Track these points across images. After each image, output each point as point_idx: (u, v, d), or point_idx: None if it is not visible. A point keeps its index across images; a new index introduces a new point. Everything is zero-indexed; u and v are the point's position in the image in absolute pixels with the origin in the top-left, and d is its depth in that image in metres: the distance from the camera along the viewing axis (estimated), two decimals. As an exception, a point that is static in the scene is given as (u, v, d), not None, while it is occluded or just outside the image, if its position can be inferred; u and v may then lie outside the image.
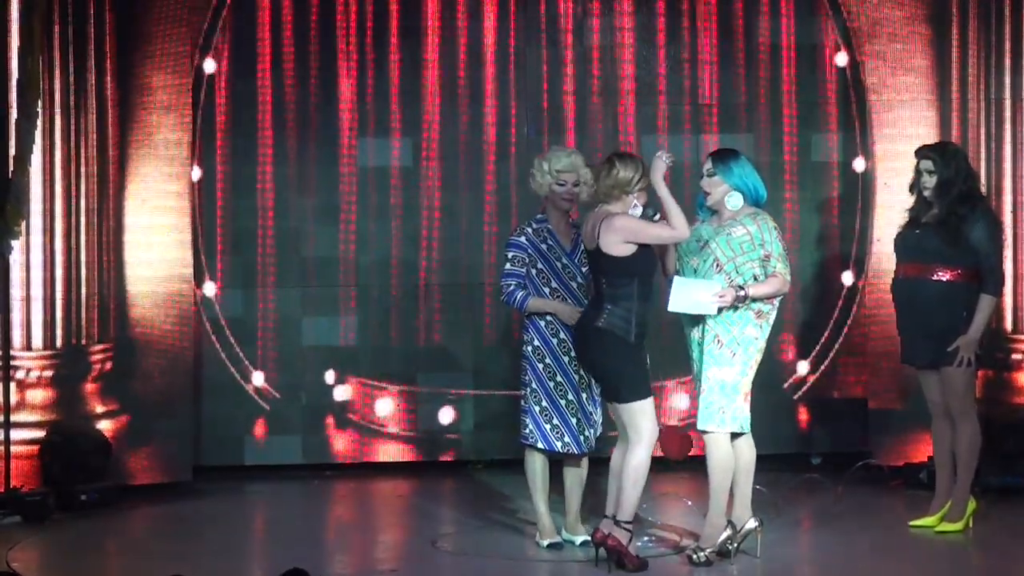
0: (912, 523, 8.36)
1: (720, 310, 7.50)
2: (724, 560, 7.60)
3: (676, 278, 7.58)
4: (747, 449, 7.69)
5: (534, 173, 7.99)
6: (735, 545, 7.64)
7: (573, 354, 7.87)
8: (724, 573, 7.52)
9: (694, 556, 7.58)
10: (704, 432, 7.61)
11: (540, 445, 7.94)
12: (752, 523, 7.69)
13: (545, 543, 8.04)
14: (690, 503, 8.56)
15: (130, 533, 8.81)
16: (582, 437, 7.93)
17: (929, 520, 8.33)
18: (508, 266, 7.98)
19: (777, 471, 9.28)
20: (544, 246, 7.96)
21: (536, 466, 8.00)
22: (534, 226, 8.00)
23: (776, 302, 7.66)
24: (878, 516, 8.75)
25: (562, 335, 7.92)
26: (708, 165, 7.72)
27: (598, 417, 8.03)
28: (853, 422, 10.13)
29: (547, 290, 7.95)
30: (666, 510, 8.73)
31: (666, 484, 9.39)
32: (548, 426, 7.91)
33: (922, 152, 8.33)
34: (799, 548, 8.26)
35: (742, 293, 7.48)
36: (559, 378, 7.90)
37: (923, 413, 8.50)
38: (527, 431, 7.96)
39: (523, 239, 7.97)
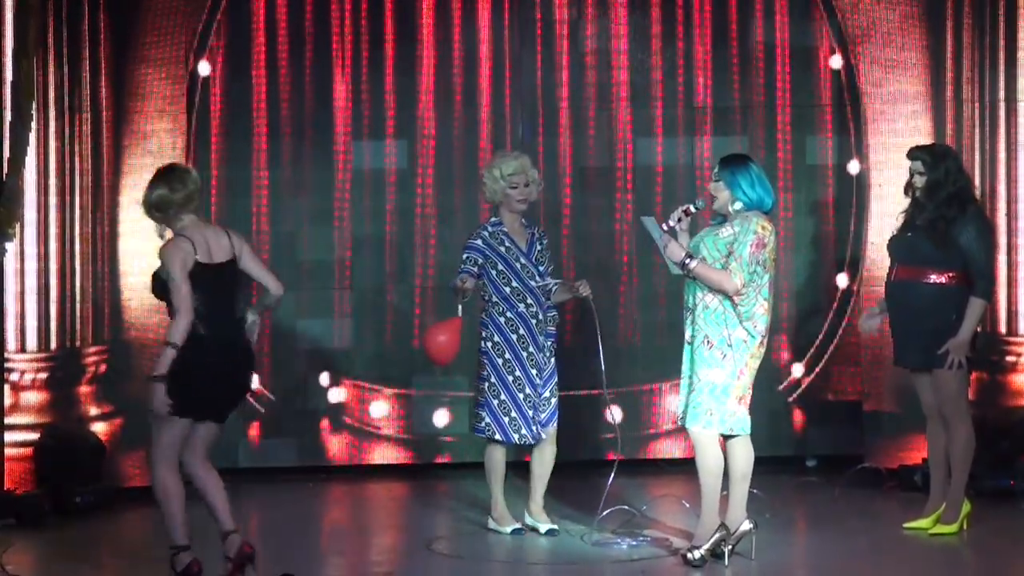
0: (906, 525, 8.36)
1: (670, 251, 7.59)
2: (718, 562, 7.60)
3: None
4: (743, 452, 7.69)
5: (485, 183, 8.29)
6: (729, 547, 7.64)
7: (532, 349, 8.19)
8: (719, 574, 7.52)
9: (688, 556, 7.59)
10: (690, 431, 7.66)
11: (498, 437, 8.21)
12: (746, 525, 7.70)
13: (508, 530, 8.32)
14: (687, 504, 8.56)
15: (124, 536, 8.79)
16: (536, 427, 8.18)
17: (923, 522, 8.33)
18: (462, 265, 8.21)
19: (773, 473, 9.27)
20: (502, 248, 8.21)
21: (497, 456, 8.30)
22: (490, 229, 8.27)
23: (759, 310, 7.61)
24: (873, 518, 8.75)
25: (521, 331, 8.22)
26: (716, 170, 7.78)
27: (551, 408, 8.25)
28: (848, 424, 10.12)
29: (508, 290, 8.22)
30: (662, 511, 8.73)
31: (662, 486, 9.39)
32: (507, 419, 8.20)
33: (913, 152, 8.35)
34: (793, 550, 8.27)
35: (689, 261, 7.52)
36: (518, 372, 8.17)
37: (918, 415, 8.50)
38: (483, 424, 8.25)
39: (479, 242, 8.25)
